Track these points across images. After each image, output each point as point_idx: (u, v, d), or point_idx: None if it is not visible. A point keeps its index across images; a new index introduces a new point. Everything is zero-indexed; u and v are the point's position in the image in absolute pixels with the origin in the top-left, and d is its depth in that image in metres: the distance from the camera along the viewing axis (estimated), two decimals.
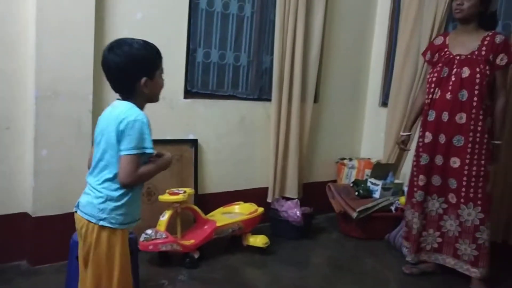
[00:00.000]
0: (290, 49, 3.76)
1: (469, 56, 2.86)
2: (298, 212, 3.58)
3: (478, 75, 2.80)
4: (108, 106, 1.78)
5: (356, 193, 3.90)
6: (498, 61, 2.80)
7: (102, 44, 2.96)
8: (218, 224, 3.15)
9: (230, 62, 3.72)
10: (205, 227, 3.15)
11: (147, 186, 3.29)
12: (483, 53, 2.82)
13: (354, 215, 3.65)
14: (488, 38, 2.83)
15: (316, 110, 4.18)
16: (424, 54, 3.19)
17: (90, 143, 2.96)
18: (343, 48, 4.36)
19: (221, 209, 3.44)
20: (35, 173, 2.79)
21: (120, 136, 1.64)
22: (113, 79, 1.72)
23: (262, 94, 3.89)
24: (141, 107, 1.74)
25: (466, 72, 2.84)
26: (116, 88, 1.75)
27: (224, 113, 3.69)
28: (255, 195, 3.81)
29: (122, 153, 1.64)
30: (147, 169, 1.69)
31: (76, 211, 1.78)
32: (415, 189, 3.08)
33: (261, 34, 3.81)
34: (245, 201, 3.55)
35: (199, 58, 3.54)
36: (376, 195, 3.88)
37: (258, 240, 3.32)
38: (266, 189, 3.94)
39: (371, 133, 4.61)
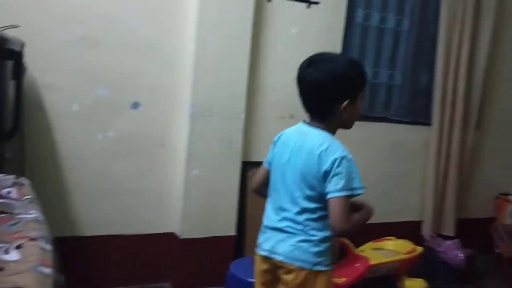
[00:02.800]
0: (454, 67, 3.32)
1: None
2: (460, 254, 3.10)
3: None
4: (290, 128, 1.58)
5: None
6: None
7: (255, 61, 2.82)
8: (372, 262, 2.79)
9: (384, 81, 3.37)
10: (357, 264, 2.80)
11: None
12: None
13: None
14: None
15: (478, 137, 3.65)
16: None
17: (239, 164, 2.80)
18: (510, 68, 3.79)
19: (370, 244, 3.07)
20: (185, 193, 2.68)
21: (323, 176, 1.40)
22: (310, 97, 1.48)
23: (416, 117, 3.48)
24: (333, 133, 1.49)
25: None
26: (309, 108, 1.51)
27: (374, 137, 3.34)
28: (405, 229, 3.38)
29: (331, 195, 1.39)
30: (356, 220, 1.43)
31: (270, 256, 1.53)
32: None
33: (419, 51, 3.42)
34: (395, 235, 3.14)
35: None
36: None
37: (415, 284, 2.89)
38: (417, 223, 3.51)
39: None
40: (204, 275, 2.74)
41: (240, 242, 2.89)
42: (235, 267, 2.07)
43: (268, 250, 1.53)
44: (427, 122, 3.42)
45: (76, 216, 2.58)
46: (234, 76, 2.72)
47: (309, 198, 1.45)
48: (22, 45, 1.91)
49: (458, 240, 3.24)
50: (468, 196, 3.75)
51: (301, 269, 1.44)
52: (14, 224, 1.14)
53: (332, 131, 1.49)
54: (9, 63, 1.73)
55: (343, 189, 1.37)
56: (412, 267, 2.96)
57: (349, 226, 1.37)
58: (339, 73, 1.42)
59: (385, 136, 3.39)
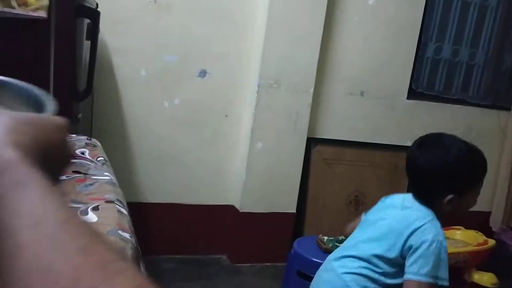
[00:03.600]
0: None
1: None
2: None
3: None
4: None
5: None
6: None
7: (330, 33, 2.68)
8: None
9: (464, 60, 3.13)
10: None
11: (355, 194, 2.93)
12: None
13: None
14: None
15: None
16: None
17: (305, 140, 2.70)
18: None
19: None
20: (248, 166, 2.61)
21: (407, 250, 1.29)
22: (413, 179, 1.40)
23: (497, 100, 3.22)
24: (440, 219, 1.35)
25: None
26: (414, 189, 1.41)
27: (449, 120, 3.12)
28: (473, 220, 3.17)
29: (410, 276, 1.27)
30: None
31: None
32: None
33: (506, 28, 3.14)
34: (458, 224, 2.95)
35: (429, 53, 3.03)
36: None
37: (485, 279, 2.71)
38: (487, 214, 3.29)
39: None
40: (261, 251, 2.69)
41: (300, 220, 2.81)
42: (298, 245, 1.99)
43: None
44: (507, 107, 3.16)
45: (138, 182, 2.59)
46: (305, 49, 2.59)
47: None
48: (97, 4, 1.88)
49: None
50: None
51: None
52: (90, 185, 1.10)
53: (440, 217, 1.35)
54: (86, 22, 1.71)
55: (428, 275, 1.25)
56: (482, 261, 2.78)
57: None
58: (448, 165, 1.31)
59: (460, 119, 3.16)
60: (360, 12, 2.75)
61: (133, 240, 0.89)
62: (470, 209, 3.38)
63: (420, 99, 3.02)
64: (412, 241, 1.28)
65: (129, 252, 0.83)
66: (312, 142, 2.79)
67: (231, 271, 2.63)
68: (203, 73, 2.56)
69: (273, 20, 2.50)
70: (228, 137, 2.69)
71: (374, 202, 2.71)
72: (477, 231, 2.90)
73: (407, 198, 1.40)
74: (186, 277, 2.48)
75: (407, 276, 1.28)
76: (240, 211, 2.66)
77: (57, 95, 1.66)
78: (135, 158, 2.55)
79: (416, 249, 1.27)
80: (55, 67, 1.60)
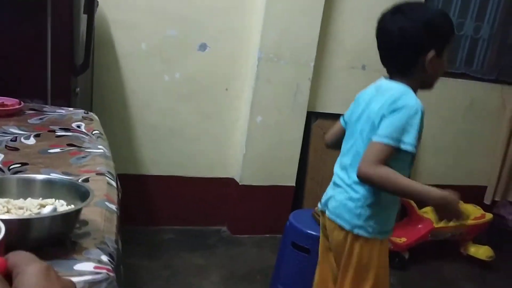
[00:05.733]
0: None
1: None
2: None
3: None
4: (370, 85, 1.44)
5: None
6: None
7: (331, 6, 2.66)
8: (435, 225, 2.67)
9: (469, 34, 3.10)
10: (420, 226, 2.70)
11: None
12: None
13: None
14: None
15: None
16: None
17: (305, 114, 2.71)
18: None
19: None
20: (248, 139, 2.64)
21: (381, 121, 1.28)
22: (392, 48, 1.34)
23: (501, 75, 3.20)
24: (414, 90, 1.33)
25: None
26: (389, 61, 1.37)
27: (452, 94, 3.12)
28: (470, 194, 3.19)
29: (373, 138, 1.26)
30: (397, 178, 1.24)
31: (324, 210, 1.47)
32: None
33: None
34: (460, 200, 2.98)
35: None
36: None
37: (480, 252, 2.76)
38: (483, 188, 3.31)
39: None
40: (260, 223, 2.75)
41: (299, 194, 2.85)
42: (294, 218, 2.03)
43: (322, 204, 1.48)
44: (510, 81, 3.13)
45: (139, 155, 2.64)
46: (306, 22, 2.57)
47: None
48: None
49: None
50: None
51: (342, 228, 1.36)
52: (83, 157, 1.14)
53: (414, 89, 1.33)
54: None
55: (387, 136, 1.24)
56: (478, 234, 2.82)
57: (373, 172, 1.22)
58: (431, 20, 1.29)
59: (463, 94, 3.16)
60: None
61: (118, 212, 0.92)
62: (467, 183, 3.42)
63: None
64: (384, 111, 1.27)
65: (115, 223, 0.86)
66: (312, 116, 2.81)
67: (230, 242, 2.69)
68: (203, 47, 2.56)
69: None
70: (229, 111, 2.71)
71: None
72: (475, 205, 2.93)
73: (379, 84, 1.39)
74: (186, 247, 2.55)
75: (372, 138, 1.28)
76: (240, 184, 2.71)
77: (54, 70, 1.68)
78: (136, 131, 2.59)
79: (385, 115, 1.26)
80: (52, 41, 1.62)
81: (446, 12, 1.44)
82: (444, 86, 3.07)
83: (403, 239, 2.63)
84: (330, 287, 1.52)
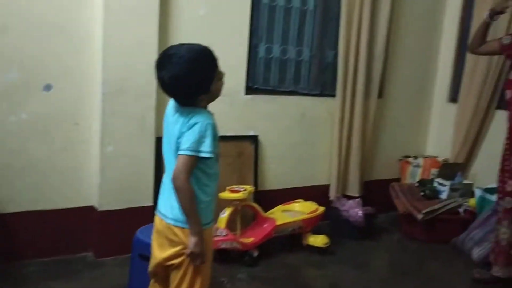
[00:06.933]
0: (355, 43, 3.62)
1: None
2: (359, 211, 3.47)
3: None
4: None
5: (422, 194, 3.73)
6: None
7: (166, 39, 2.98)
8: (278, 223, 3.10)
9: (292, 57, 3.64)
10: (265, 225, 3.12)
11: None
12: None
13: (420, 216, 3.49)
14: None
15: (380, 106, 4.01)
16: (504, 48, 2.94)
17: (154, 139, 3.00)
18: (410, 41, 4.14)
19: (281, 207, 3.39)
20: (101, 168, 2.86)
21: (180, 135, 1.63)
22: (171, 95, 1.68)
23: (324, 89, 3.79)
24: (204, 108, 1.70)
25: None
26: (176, 101, 1.70)
27: (285, 109, 3.62)
28: (315, 193, 3.73)
29: (179, 152, 1.61)
30: (191, 194, 1.62)
31: (157, 214, 1.79)
32: (501, 195, 2.88)
33: (324, 28, 3.70)
34: (306, 199, 3.48)
35: (261, 53, 3.49)
36: (443, 196, 3.70)
37: (318, 240, 3.25)
38: (326, 186, 3.86)
39: (438, 130, 4.37)
40: (123, 244, 2.93)
41: None
42: (141, 232, 2.30)
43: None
44: (333, 94, 3.72)
45: None
46: (144, 57, 2.84)
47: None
48: None
49: (359, 199, 3.61)
50: (373, 159, 4.13)
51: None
52: None
53: (202, 106, 1.68)
54: None
55: (188, 149, 1.58)
56: (315, 225, 3.31)
57: (180, 182, 1.58)
58: (196, 64, 1.60)
59: (295, 108, 3.67)
60: (193, 21, 3.10)
61: None
62: (312, 184, 3.89)
63: (257, 94, 3.47)
64: (183, 128, 1.61)
65: None
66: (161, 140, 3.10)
67: (95, 266, 2.87)
68: (48, 87, 2.74)
69: (109, 32, 2.75)
70: (81, 144, 2.90)
71: (224, 187, 3.08)
72: (312, 202, 3.43)
73: (177, 106, 1.67)
74: (51, 276, 2.68)
75: (178, 152, 1.60)
76: (99, 210, 2.91)
77: None
78: None
79: (184, 132, 1.60)
80: None
81: (209, 50, 1.65)
82: (278, 102, 3.58)
83: (251, 239, 3.01)
84: None
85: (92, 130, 2.90)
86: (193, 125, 1.60)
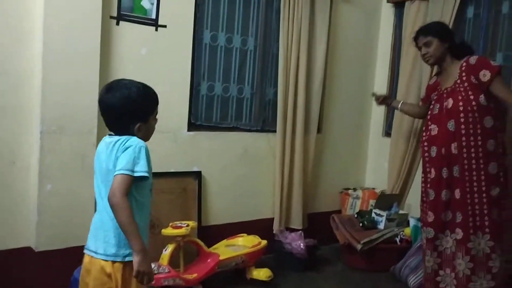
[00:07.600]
0: (294, 81, 3.80)
1: (452, 86, 2.93)
2: (302, 244, 3.56)
3: (460, 103, 2.84)
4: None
5: (361, 224, 3.88)
6: (481, 78, 2.79)
7: (107, 79, 3.01)
8: (221, 258, 3.13)
9: (234, 95, 3.76)
10: (208, 260, 3.13)
11: (150, 219, 3.29)
12: (464, 78, 2.87)
13: (359, 247, 3.62)
14: (464, 64, 2.90)
15: (320, 141, 4.19)
16: (424, 100, 3.31)
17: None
18: (345, 79, 4.39)
19: (224, 242, 3.42)
20: (39, 207, 2.81)
21: (115, 162, 1.69)
22: (108, 118, 1.78)
23: (265, 125, 3.91)
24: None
25: (450, 103, 2.90)
26: (110, 126, 1.80)
27: (228, 145, 3.71)
28: (259, 226, 3.79)
29: (115, 172, 1.66)
30: (129, 211, 1.64)
31: (86, 253, 1.80)
32: (424, 226, 3.05)
33: (264, 67, 3.86)
34: (250, 233, 3.53)
35: (203, 91, 3.59)
36: (381, 226, 3.85)
37: (261, 274, 3.29)
38: (270, 220, 3.93)
39: (375, 163, 4.60)
40: (62, 284, 2.87)
41: None
42: (78, 272, 2.27)
43: None
44: (274, 130, 3.85)
45: None
46: (85, 95, 2.88)
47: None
48: None
49: (301, 232, 3.70)
50: (315, 192, 4.26)
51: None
52: None
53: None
54: None
55: (123, 168, 1.65)
56: (258, 259, 3.36)
57: (116, 199, 1.61)
58: (132, 100, 1.72)
59: (238, 143, 3.77)
60: (135, 60, 3.17)
61: None
62: (256, 218, 3.95)
63: (200, 130, 3.55)
64: (118, 153, 1.68)
65: None
66: None
67: None
68: None
69: (48, 71, 2.76)
70: (18, 183, 2.84)
71: (167, 224, 3.09)
72: (255, 235, 3.49)
73: (108, 141, 1.76)
74: None
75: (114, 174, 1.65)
76: (36, 250, 2.83)
77: None
78: None
79: (119, 156, 1.67)
80: None
81: (147, 87, 1.80)
82: (220, 139, 3.66)
83: (194, 275, 3.01)
84: None
85: (31, 169, 2.85)
86: (128, 147, 1.69)
